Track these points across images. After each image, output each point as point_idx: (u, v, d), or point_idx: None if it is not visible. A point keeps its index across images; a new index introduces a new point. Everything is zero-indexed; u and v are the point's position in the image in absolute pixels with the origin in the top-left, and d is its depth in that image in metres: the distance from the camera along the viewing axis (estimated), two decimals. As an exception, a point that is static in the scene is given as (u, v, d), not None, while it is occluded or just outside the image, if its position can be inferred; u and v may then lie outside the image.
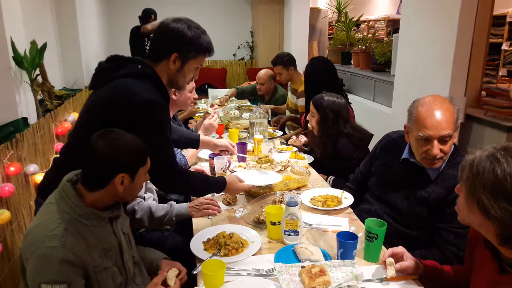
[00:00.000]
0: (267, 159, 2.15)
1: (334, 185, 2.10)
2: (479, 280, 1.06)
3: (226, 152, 2.09)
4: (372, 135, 2.30)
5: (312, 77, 2.88)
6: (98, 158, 1.10)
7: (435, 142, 1.40)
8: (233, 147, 2.11)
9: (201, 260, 1.28)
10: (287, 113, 3.63)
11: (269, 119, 3.07)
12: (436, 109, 1.40)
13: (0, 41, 2.24)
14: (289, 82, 3.69)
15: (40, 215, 1.12)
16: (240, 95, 3.98)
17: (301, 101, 3.47)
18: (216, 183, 1.60)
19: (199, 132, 2.32)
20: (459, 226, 1.41)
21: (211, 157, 2.05)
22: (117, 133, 1.14)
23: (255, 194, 1.79)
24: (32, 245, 1.04)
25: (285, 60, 3.61)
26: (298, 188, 1.91)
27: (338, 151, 2.17)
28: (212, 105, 3.03)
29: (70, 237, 1.05)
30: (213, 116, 2.41)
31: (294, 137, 2.67)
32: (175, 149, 2.09)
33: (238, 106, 3.79)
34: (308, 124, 2.35)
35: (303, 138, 2.57)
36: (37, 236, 1.04)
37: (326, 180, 2.17)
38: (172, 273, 1.23)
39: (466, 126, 2.56)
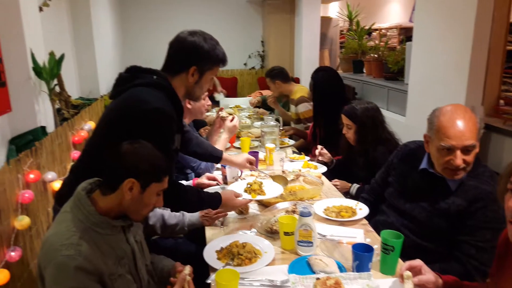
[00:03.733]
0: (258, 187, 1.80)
1: (358, 193, 2.08)
2: None
3: (250, 166, 2.02)
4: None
5: (318, 88, 2.90)
6: (117, 159, 1.13)
7: (458, 152, 1.36)
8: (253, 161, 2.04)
9: (214, 269, 1.28)
10: (292, 124, 3.64)
11: (281, 128, 3.06)
12: (459, 118, 1.37)
13: (21, 53, 2.31)
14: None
15: (56, 223, 1.14)
16: (263, 102, 4.14)
17: (301, 108, 3.45)
18: (210, 199, 1.55)
19: (222, 136, 2.33)
20: (481, 240, 1.37)
21: (223, 165, 2.06)
22: (144, 144, 1.17)
23: (267, 204, 1.78)
24: (49, 253, 1.06)
25: (272, 74, 3.62)
26: (311, 198, 1.90)
27: (375, 159, 2.13)
28: (221, 109, 3.00)
29: (85, 245, 1.06)
30: (234, 118, 2.39)
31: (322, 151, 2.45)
32: None
33: (249, 115, 3.80)
34: (345, 135, 2.29)
35: (322, 154, 2.43)
36: (54, 245, 1.06)
37: (349, 188, 2.16)
38: (187, 270, 1.18)
39: (484, 136, 2.50)
